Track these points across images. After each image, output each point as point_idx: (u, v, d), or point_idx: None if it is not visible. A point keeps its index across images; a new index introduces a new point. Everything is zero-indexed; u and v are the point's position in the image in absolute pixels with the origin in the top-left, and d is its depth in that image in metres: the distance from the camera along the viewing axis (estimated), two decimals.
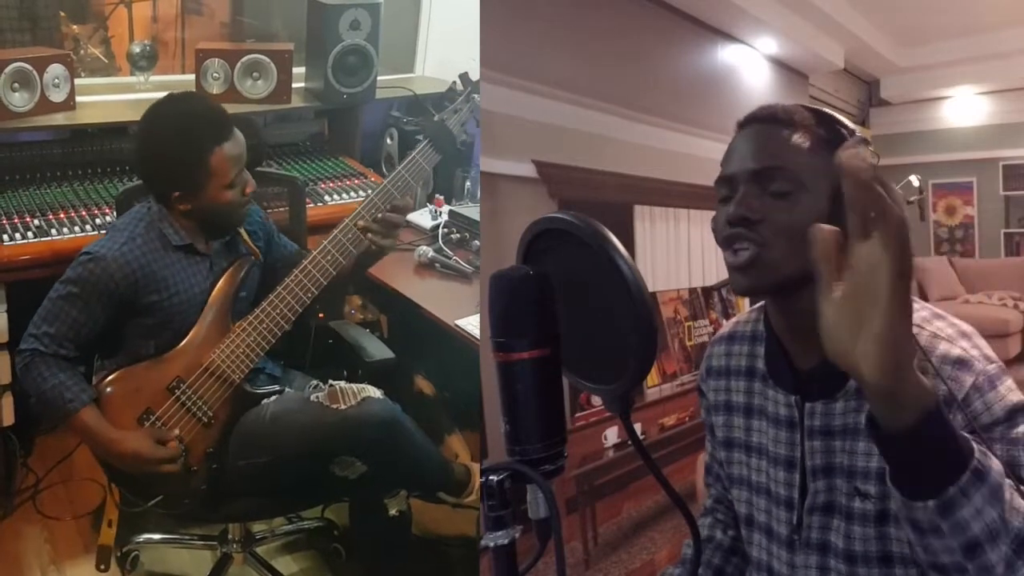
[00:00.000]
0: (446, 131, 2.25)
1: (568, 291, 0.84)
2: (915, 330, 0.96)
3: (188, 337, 2.01)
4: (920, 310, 1.05)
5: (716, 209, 1.07)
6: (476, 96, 2.30)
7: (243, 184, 2.01)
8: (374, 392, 2.04)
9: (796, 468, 1.11)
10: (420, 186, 2.96)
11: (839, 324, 0.70)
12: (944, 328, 1.03)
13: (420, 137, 2.29)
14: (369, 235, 2.07)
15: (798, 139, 1.03)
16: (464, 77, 2.34)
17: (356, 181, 3.05)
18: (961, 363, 0.97)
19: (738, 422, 1.20)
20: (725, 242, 1.04)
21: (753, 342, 1.20)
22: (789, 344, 1.11)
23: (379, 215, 2.08)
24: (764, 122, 1.06)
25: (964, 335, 1.02)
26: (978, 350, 1.00)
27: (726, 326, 1.28)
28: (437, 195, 2.96)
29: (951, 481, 0.76)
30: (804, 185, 1.01)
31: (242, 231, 2.10)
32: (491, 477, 0.82)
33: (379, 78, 3.16)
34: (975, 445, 0.78)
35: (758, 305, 1.22)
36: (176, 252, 2.01)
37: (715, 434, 1.26)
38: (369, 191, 2.21)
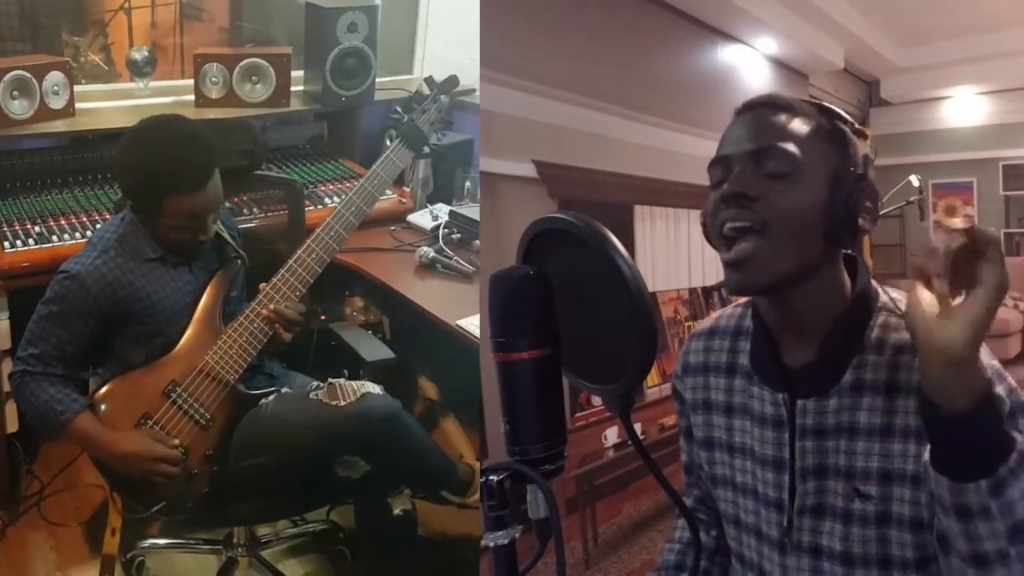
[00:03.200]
0: (416, 130, 2.40)
1: (568, 291, 0.84)
2: None
3: (181, 341, 2.01)
4: None
5: (707, 197, 1.03)
6: (443, 98, 2.46)
7: (197, 230, 1.98)
8: (374, 388, 2.03)
9: (785, 469, 1.08)
10: (420, 189, 2.98)
11: (934, 314, 0.81)
12: None
13: (393, 134, 2.43)
14: (276, 326, 2.04)
15: (797, 124, 1.01)
16: (430, 80, 2.50)
17: (356, 183, 3.02)
18: None
19: (718, 421, 1.16)
20: (718, 228, 1.00)
21: (736, 337, 1.16)
22: (781, 340, 1.08)
23: (276, 307, 2.04)
24: (763, 107, 1.04)
25: None
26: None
27: (706, 321, 1.22)
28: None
29: (1000, 462, 0.81)
30: (801, 169, 0.98)
31: (224, 234, 2.07)
32: (491, 477, 0.82)
33: (378, 80, 3.16)
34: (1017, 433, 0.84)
35: (744, 300, 1.18)
36: (153, 262, 2.01)
37: (693, 435, 1.21)
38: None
